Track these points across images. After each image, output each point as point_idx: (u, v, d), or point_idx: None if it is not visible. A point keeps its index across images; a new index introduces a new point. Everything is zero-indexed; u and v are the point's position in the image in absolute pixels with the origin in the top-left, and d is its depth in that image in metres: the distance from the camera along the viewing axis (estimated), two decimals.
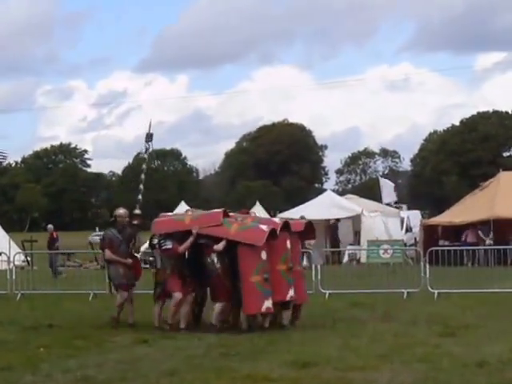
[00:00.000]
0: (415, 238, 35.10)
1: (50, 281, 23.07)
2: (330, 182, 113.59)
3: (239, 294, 12.48)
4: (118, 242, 13.67)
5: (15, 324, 13.69)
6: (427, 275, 17.83)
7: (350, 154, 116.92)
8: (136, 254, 14.25)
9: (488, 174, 43.52)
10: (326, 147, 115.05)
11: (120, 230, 13.77)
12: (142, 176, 17.01)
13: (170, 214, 15.22)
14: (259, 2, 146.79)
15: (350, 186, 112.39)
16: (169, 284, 12.79)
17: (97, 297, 18.34)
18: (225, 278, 12.57)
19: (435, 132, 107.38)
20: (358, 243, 32.86)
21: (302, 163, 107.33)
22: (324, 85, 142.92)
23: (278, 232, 12.76)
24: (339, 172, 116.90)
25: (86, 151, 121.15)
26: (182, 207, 33.30)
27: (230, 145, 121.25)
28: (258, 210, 30.32)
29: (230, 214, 13.50)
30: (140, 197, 17.02)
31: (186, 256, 13.02)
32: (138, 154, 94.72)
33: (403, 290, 17.68)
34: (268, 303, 12.39)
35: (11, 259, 20.55)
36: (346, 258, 31.13)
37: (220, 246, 12.51)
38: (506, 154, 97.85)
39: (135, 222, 14.54)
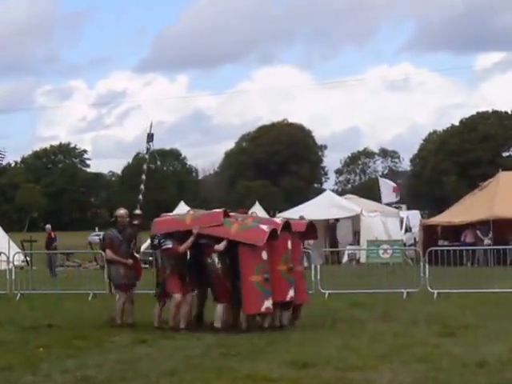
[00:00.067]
0: (415, 238, 35.15)
1: (50, 281, 23.09)
2: (330, 182, 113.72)
3: (239, 294, 12.48)
4: (118, 242, 13.67)
5: (14, 324, 13.69)
6: (427, 275, 17.84)
7: (350, 154, 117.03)
8: (136, 255, 14.24)
9: (487, 174, 43.53)
10: (325, 147, 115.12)
11: (120, 230, 13.77)
12: (143, 176, 16.99)
13: (170, 214, 15.24)
14: (259, 2, 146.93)
15: (349, 186, 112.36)
16: (168, 285, 12.78)
17: (96, 297, 18.35)
18: (225, 278, 12.56)
19: (435, 132, 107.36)
20: (358, 243, 32.90)
21: (301, 163, 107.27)
22: (324, 85, 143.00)
23: (278, 232, 12.76)
24: (339, 172, 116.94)
25: (85, 151, 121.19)
26: (182, 207, 33.33)
27: (230, 145, 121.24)
28: (258, 210, 30.31)
29: (231, 213, 13.50)
30: (141, 197, 17.03)
31: (188, 256, 13.01)
32: (138, 153, 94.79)
33: (403, 290, 17.69)
34: (268, 303, 12.39)
35: (11, 259, 20.55)
36: (345, 258, 31.16)
37: (221, 246, 12.50)
38: (505, 154, 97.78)
39: (136, 222, 14.53)
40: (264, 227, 12.65)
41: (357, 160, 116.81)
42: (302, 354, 10.04)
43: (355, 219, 34.08)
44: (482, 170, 78.89)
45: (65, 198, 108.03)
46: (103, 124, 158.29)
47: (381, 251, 26.02)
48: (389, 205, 39.09)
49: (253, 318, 12.70)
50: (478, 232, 30.88)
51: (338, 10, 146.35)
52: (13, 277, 19.42)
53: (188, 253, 12.96)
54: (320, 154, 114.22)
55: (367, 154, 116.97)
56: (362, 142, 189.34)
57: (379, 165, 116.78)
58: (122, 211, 13.97)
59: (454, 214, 32.93)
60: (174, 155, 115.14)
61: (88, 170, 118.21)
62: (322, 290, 18.10)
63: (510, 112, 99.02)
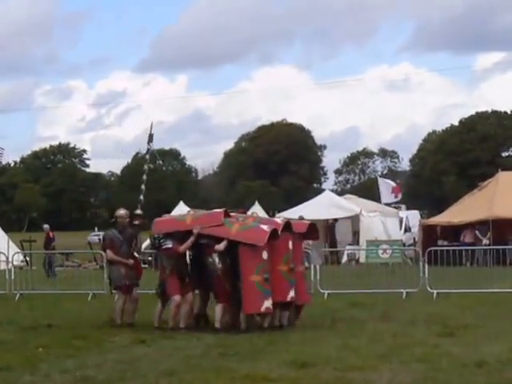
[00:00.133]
0: (414, 238, 35.15)
1: (49, 281, 23.09)
2: (329, 182, 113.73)
3: (239, 294, 12.48)
4: (118, 242, 13.65)
5: (14, 324, 13.68)
6: (426, 275, 17.84)
7: (349, 154, 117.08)
8: (137, 255, 14.23)
9: (487, 174, 43.55)
10: (324, 147, 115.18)
11: (121, 230, 13.76)
12: (144, 176, 16.96)
13: (171, 214, 15.24)
14: (259, 2, 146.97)
15: (348, 186, 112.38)
16: (168, 286, 12.78)
17: (96, 297, 18.33)
18: (225, 278, 12.56)
19: (434, 132, 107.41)
20: (357, 243, 32.91)
21: (300, 163, 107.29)
22: (323, 85, 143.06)
23: (279, 232, 12.76)
24: (338, 172, 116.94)
25: (84, 151, 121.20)
26: (181, 207, 33.39)
27: (229, 145, 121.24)
28: (257, 210, 30.32)
29: (231, 213, 13.50)
30: (142, 197, 16.99)
31: (188, 256, 13.01)
32: (137, 153, 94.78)
33: (402, 290, 17.69)
34: (267, 303, 12.39)
35: (10, 259, 20.54)
36: (345, 258, 31.14)
37: (221, 246, 12.51)
38: (504, 154, 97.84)
39: (136, 223, 14.52)
40: (265, 227, 12.65)
41: (356, 160, 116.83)
42: (302, 354, 10.04)
43: (354, 219, 34.08)
44: (482, 170, 78.89)
45: (64, 198, 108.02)
46: (102, 124, 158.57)
47: (380, 251, 26.04)
48: (388, 205, 39.08)
49: (252, 318, 12.70)
50: (476, 232, 30.89)
51: (338, 10, 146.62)
52: (12, 277, 19.41)
53: (187, 253, 12.96)
54: (319, 153, 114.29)
55: (366, 154, 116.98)
56: (361, 142, 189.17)
57: (378, 165, 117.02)
58: (122, 212, 13.96)
59: (454, 214, 32.94)
60: (173, 155, 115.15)
61: (87, 170, 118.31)
62: (322, 290, 18.09)
63: (509, 112, 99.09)
